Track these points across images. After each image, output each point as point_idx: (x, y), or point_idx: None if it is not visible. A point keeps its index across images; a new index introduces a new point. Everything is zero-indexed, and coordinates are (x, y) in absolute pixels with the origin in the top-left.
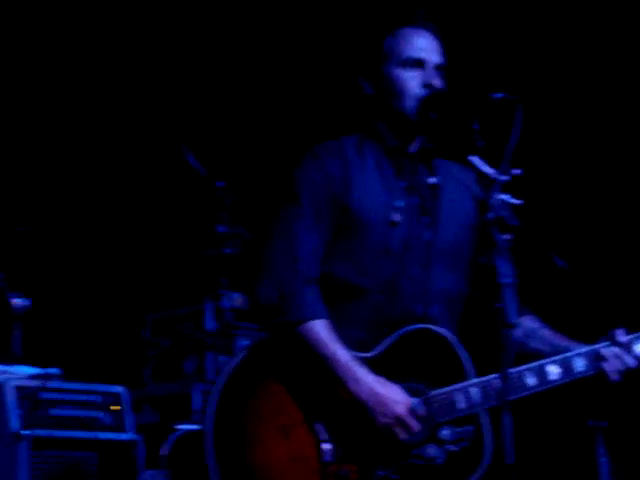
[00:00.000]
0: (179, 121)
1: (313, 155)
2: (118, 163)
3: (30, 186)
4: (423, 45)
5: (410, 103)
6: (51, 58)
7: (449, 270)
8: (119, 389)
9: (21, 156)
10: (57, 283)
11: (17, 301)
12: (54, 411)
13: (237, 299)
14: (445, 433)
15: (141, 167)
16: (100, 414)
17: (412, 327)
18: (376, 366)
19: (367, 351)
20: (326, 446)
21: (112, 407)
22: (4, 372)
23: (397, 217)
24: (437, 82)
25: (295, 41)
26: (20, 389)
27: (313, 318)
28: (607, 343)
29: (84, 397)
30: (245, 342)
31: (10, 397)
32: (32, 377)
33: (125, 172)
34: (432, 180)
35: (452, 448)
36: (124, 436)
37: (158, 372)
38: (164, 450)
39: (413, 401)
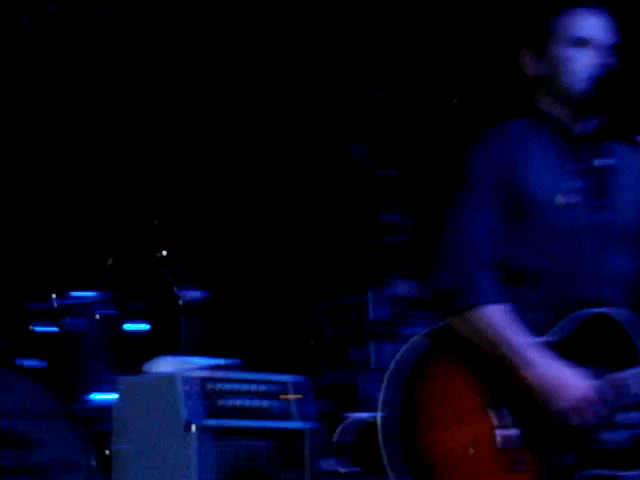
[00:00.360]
0: (344, 111)
1: (482, 140)
2: (285, 155)
3: (205, 181)
4: (592, 24)
5: (579, 83)
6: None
7: (624, 252)
8: (294, 378)
9: (195, 152)
10: (230, 276)
11: (193, 294)
12: (227, 401)
13: (403, 287)
14: (624, 417)
15: (308, 158)
16: (275, 403)
17: (589, 311)
18: (555, 350)
19: (542, 335)
20: (502, 432)
21: (287, 396)
22: (180, 363)
23: (569, 199)
24: (607, 62)
25: (461, 26)
26: (195, 380)
27: (489, 302)
28: None
29: (258, 386)
30: (411, 330)
31: (185, 388)
32: (208, 368)
33: (292, 164)
34: (603, 162)
35: (632, 432)
36: (299, 424)
37: (328, 361)
38: (339, 438)
39: (592, 385)
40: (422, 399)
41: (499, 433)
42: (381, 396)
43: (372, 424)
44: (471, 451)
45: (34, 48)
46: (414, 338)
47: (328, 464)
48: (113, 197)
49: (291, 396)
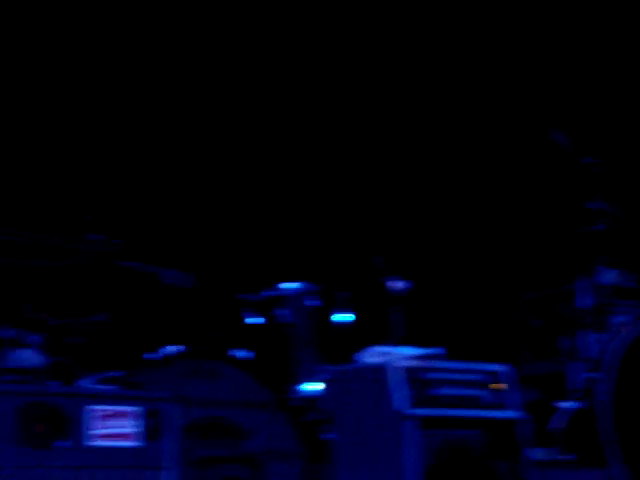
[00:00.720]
0: (548, 99)
1: None
2: (492, 145)
3: (408, 171)
4: None
5: None
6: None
7: None
8: (502, 367)
9: (397, 147)
10: (435, 265)
11: (397, 284)
12: (437, 390)
13: (609, 276)
14: None
15: (513, 147)
16: (483, 392)
17: None
18: None
19: None
20: None
21: (494, 385)
22: (388, 353)
23: None
24: None
25: None
26: (404, 370)
27: None
28: None
29: (467, 376)
30: (620, 319)
31: (394, 377)
32: (415, 357)
33: (498, 153)
34: None
35: None
36: (508, 414)
37: (534, 351)
38: (552, 426)
39: None
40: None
41: None
42: (596, 385)
43: (586, 412)
44: None
45: None
46: (626, 326)
47: (536, 454)
48: (324, 193)
49: (500, 385)
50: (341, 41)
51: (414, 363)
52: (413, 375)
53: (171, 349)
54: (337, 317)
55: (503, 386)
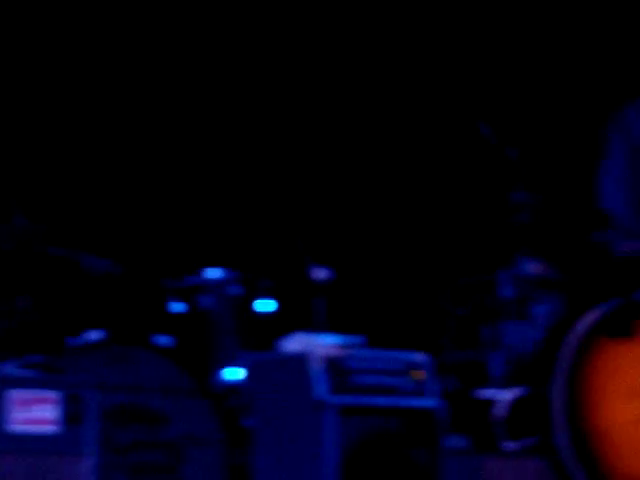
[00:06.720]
0: (472, 92)
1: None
2: (415, 135)
3: (333, 160)
4: None
5: None
6: None
7: None
8: (421, 356)
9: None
10: (358, 254)
11: (320, 271)
12: (357, 378)
13: (531, 266)
14: None
15: (436, 137)
16: (402, 381)
17: None
18: None
19: None
20: None
21: (414, 374)
22: (309, 341)
23: None
24: None
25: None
26: (325, 358)
27: None
28: None
29: (386, 364)
30: (541, 309)
31: (315, 366)
32: (336, 346)
33: (421, 143)
34: None
35: None
36: (426, 402)
37: (455, 339)
38: (494, 414)
39: None
40: (587, 375)
41: None
42: (541, 372)
43: (529, 400)
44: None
45: None
46: (565, 314)
47: (452, 442)
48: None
49: (421, 374)
50: None
51: (335, 351)
52: (333, 363)
53: (93, 335)
54: (259, 305)
55: (422, 374)
